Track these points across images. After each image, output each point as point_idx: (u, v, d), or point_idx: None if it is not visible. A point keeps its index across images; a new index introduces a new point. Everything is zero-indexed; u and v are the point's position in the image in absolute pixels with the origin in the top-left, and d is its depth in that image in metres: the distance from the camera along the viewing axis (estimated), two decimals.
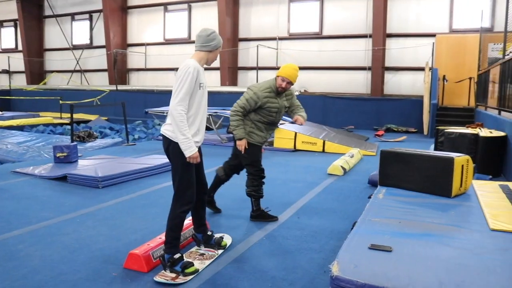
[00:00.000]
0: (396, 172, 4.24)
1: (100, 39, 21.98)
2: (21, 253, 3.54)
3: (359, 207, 4.88)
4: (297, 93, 16.26)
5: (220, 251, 3.60)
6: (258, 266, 3.34)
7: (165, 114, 11.51)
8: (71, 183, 6.07)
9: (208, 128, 10.12)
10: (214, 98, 14.78)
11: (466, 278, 2.25)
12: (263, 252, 3.64)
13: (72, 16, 23.17)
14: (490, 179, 6.02)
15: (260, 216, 4.48)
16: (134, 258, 3.25)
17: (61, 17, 23.54)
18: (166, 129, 3.23)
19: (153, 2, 20.50)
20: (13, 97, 22.17)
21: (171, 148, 3.20)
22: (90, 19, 22.65)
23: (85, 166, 6.84)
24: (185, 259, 3.26)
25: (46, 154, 8.98)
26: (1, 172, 6.78)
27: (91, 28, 22.63)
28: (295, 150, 9.60)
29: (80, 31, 23.13)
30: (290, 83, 4.35)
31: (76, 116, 16.07)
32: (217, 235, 3.78)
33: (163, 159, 7.26)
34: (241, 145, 4.33)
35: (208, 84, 3.41)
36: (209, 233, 3.68)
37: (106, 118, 18.23)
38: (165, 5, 20.26)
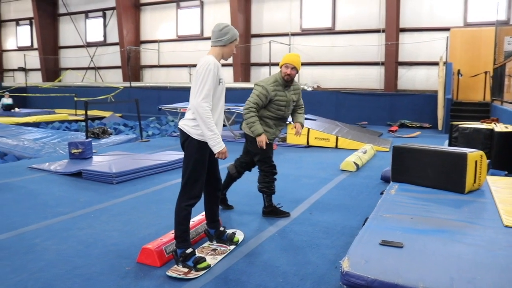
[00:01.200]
0: (408, 168, 4.22)
1: (113, 36, 22.19)
2: (37, 247, 3.61)
3: (371, 203, 4.86)
4: (310, 88, 16.23)
5: (232, 247, 3.63)
6: (270, 261, 3.36)
7: (178, 110, 11.58)
8: (86, 179, 6.15)
9: None
10: (227, 95, 14.66)
11: (478, 275, 2.24)
12: (275, 248, 3.66)
13: (86, 13, 23.41)
14: (506, 175, 5.95)
15: (272, 212, 4.49)
16: (147, 252, 3.30)
17: (75, 14, 23.81)
18: (185, 124, 3.27)
19: None
20: (29, 94, 22.51)
21: (187, 142, 3.24)
22: (104, 16, 22.85)
23: (100, 162, 6.93)
24: (197, 254, 3.29)
25: (61, 150, 9.10)
26: (18, 168, 6.91)
27: (105, 26, 22.83)
28: (308, 146, 9.59)
29: (94, 29, 23.36)
30: (295, 68, 4.31)
31: (91, 112, 16.27)
32: (229, 231, 3.80)
33: (176, 155, 7.32)
34: (262, 140, 4.21)
35: None
36: (221, 228, 3.71)
37: (120, 114, 18.40)
38: (177, 1, 20.32)
